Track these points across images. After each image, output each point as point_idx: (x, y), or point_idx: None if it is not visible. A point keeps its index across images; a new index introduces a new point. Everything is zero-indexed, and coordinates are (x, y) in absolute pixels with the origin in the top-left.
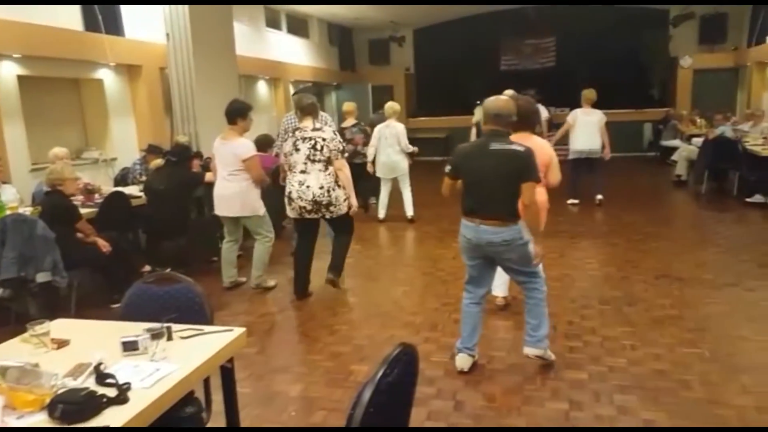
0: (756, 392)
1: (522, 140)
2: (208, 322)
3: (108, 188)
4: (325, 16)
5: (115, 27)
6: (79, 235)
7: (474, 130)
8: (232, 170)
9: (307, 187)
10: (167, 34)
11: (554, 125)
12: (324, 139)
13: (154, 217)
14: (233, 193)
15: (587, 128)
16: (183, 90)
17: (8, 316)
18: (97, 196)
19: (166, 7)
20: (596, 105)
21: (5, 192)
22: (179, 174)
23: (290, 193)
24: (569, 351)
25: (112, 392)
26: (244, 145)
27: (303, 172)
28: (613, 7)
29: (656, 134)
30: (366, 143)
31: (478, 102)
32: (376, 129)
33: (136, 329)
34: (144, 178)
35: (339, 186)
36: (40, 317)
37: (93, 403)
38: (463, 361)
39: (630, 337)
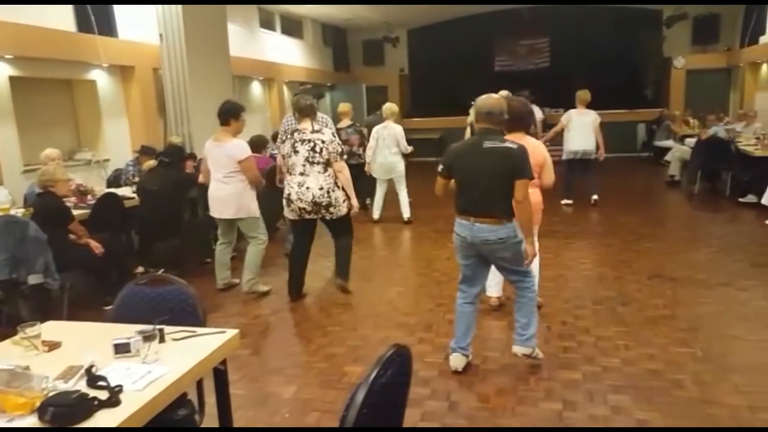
0: (748, 391)
1: (516, 141)
2: (201, 323)
3: (101, 189)
4: (319, 16)
5: (108, 27)
6: (72, 236)
7: (469, 130)
8: (227, 172)
9: (307, 188)
10: (160, 35)
11: (548, 126)
12: (323, 141)
13: (147, 219)
14: (229, 195)
15: (582, 129)
16: (176, 91)
17: None
18: (89, 197)
19: (160, 7)
20: (590, 105)
21: None
22: (172, 175)
23: (289, 195)
24: (563, 351)
25: (103, 395)
26: (239, 147)
27: (302, 174)
28: (606, 7)
29: (650, 135)
30: (361, 144)
31: (473, 102)
32: (374, 130)
33: (128, 331)
34: (137, 179)
35: (338, 187)
36: (32, 319)
37: (84, 406)
38: (457, 360)
39: (623, 337)
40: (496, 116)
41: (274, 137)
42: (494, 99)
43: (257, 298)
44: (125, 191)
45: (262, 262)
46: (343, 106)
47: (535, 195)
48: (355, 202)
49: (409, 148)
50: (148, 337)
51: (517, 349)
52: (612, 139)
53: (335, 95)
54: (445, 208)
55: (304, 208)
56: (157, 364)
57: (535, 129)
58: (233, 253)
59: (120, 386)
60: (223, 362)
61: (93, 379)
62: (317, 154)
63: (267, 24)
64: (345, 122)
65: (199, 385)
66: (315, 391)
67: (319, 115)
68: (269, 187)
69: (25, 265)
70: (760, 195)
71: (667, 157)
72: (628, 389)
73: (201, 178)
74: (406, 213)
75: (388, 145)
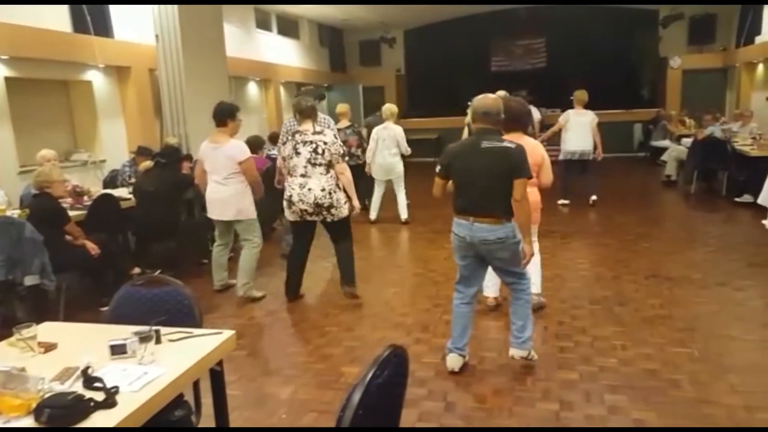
0: (745, 391)
1: (514, 141)
2: (197, 324)
3: (97, 190)
4: (315, 17)
5: (104, 28)
6: (68, 237)
7: (466, 131)
8: (227, 174)
9: (309, 189)
10: (156, 35)
11: (545, 126)
12: (325, 143)
13: (143, 220)
14: (229, 197)
15: (580, 129)
16: (173, 91)
17: None
18: (85, 198)
19: (156, 7)
20: (587, 106)
21: None
22: (169, 176)
23: (290, 196)
24: (560, 351)
25: (99, 396)
26: (239, 147)
27: (303, 175)
28: (603, 8)
29: (646, 135)
30: (360, 145)
31: (470, 102)
32: (374, 131)
33: (124, 332)
34: (133, 180)
35: (340, 188)
36: (28, 320)
37: (80, 408)
38: (453, 361)
39: (620, 336)
40: (493, 116)
41: (271, 138)
42: (491, 99)
43: (253, 300)
44: (122, 192)
45: (258, 263)
46: (341, 107)
47: (533, 194)
48: (356, 203)
49: (410, 150)
50: (144, 338)
51: (515, 352)
52: (608, 139)
53: (332, 96)
54: (443, 208)
55: (305, 210)
56: (154, 365)
57: (533, 129)
58: (230, 254)
59: (116, 387)
60: (220, 363)
61: (89, 381)
62: (319, 156)
63: (263, 24)
64: (343, 123)
65: (196, 386)
66: (312, 391)
67: (321, 116)
68: (267, 189)
69: (21, 266)
70: (756, 195)
71: (664, 157)
72: (625, 389)
73: (195, 181)
74: (403, 214)
75: (387, 146)
